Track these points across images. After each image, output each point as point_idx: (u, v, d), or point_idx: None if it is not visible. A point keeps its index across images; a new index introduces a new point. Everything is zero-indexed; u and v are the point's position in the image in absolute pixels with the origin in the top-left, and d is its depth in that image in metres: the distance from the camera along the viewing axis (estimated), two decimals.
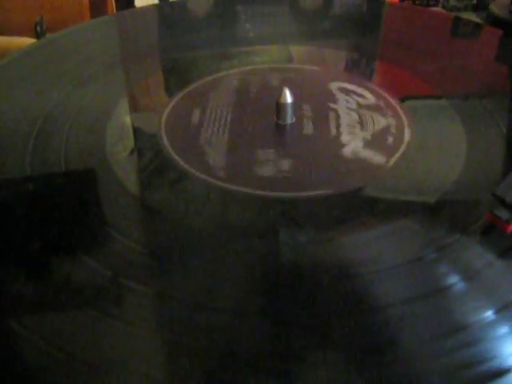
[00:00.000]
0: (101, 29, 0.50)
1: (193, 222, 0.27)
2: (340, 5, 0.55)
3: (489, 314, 0.23)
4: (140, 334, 0.21)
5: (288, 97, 0.33)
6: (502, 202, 0.26)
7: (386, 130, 0.34)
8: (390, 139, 0.33)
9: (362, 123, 0.34)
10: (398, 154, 0.31)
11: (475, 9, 0.51)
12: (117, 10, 0.61)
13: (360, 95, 0.38)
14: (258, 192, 0.28)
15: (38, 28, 0.43)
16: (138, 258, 0.25)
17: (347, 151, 0.32)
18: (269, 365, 0.20)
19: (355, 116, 0.35)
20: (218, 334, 0.21)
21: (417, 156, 0.32)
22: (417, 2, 0.64)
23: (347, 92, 0.38)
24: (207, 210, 0.28)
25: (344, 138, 0.33)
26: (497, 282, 0.24)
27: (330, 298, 0.23)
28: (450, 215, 0.28)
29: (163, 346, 0.22)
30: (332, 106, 0.36)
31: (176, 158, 0.31)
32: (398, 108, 0.36)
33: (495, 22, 0.48)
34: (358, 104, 0.36)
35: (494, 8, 0.49)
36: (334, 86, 0.39)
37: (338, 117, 0.35)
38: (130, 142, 0.34)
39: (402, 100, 0.37)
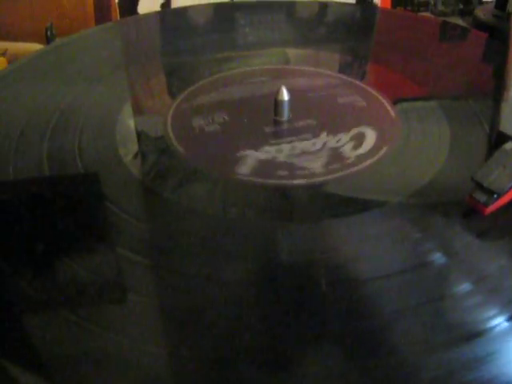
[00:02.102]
0: (106, 34, 0.52)
1: (198, 208, 0.30)
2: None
3: (466, 286, 0.25)
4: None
5: (285, 94, 0.35)
6: (480, 187, 0.28)
7: (374, 126, 0.36)
8: (378, 134, 0.35)
9: (351, 118, 0.37)
10: (385, 148, 0.34)
11: (461, 14, 0.54)
12: (120, 17, 0.63)
13: (351, 93, 0.40)
14: (259, 180, 0.31)
15: (49, 33, 0.46)
16: (147, 239, 0.28)
17: (338, 145, 0.34)
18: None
19: (345, 111, 0.38)
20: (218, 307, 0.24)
21: (404, 149, 0.34)
22: (408, 8, 0.66)
23: (340, 90, 0.41)
24: (211, 197, 0.31)
25: (334, 134, 0.35)
26: (475, 259, 0.27)
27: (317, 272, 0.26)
28: (434, 200, 0.30)
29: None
30: (326, 104, 0.39)
31: (179, 149, 0.34)
32: (388, 107, 0.39)
33: (480, 26, 0.51)
34: (349, 102, 0.39)
35: (479, 13, 0.52)
36: (328, 85, 0.41)
37: (330, 114, 0.38)
38: (137, 138, 0.36)
39: (394, 102, 0.40)
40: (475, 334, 0.23)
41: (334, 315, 0.24)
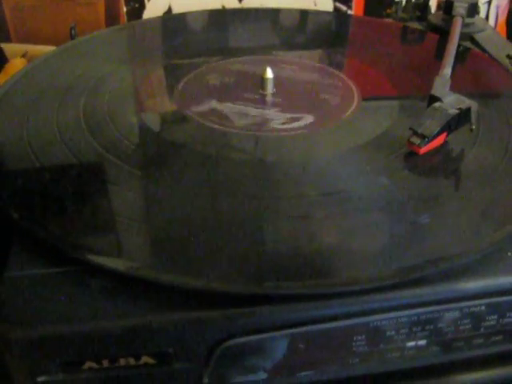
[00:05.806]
0: (116, 35, 0.62)
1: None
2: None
3: (401, 197, 0.34)
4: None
5: (269, 73, 0.45)
6: (416, 133, 0.38)
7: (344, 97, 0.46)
8: (344, 103, 0.45)
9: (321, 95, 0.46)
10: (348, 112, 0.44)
11: (418, 19, 0.64)
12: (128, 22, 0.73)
13: (323, 78, 0.50)
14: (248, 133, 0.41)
15: (73, 31, 0.55)
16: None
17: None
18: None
19: (316, 88, 0.47)
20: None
21: (362, 114, 0.44)
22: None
23: (313, 72, 0.50)
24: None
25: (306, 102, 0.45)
26: (410, 186, 0.36)
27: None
28: (384, 146, 0.40)
29: None
30: (304, 83, 0.48)
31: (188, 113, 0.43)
32: (353, 87, 0.48)
33: (433, 28, 0.61)
34: (320, 82, 0.49)
35: (432, 18, 0.62)
36: (306, 70, 0.51)
37: (306, 90, 0.47)
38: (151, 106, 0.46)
39: (360, 85, 0.49)
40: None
41: None
